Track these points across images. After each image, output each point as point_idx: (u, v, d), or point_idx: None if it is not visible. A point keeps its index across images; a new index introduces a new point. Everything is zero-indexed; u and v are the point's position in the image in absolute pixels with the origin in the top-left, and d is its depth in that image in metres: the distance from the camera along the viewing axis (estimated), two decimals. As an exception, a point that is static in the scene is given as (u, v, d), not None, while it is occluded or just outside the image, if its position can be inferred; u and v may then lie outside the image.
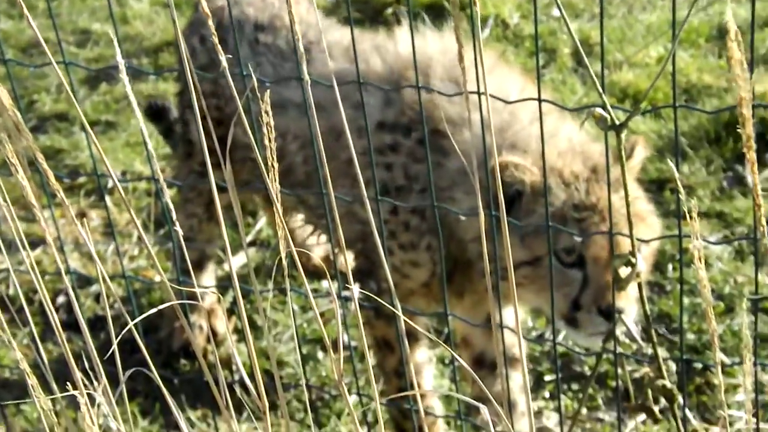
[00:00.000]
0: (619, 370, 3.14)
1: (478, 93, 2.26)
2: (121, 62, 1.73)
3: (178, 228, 1.77)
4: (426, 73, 2.97)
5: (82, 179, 4.93)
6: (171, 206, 1.81)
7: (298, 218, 4.33)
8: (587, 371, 3.83)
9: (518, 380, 3.34)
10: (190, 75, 1.83)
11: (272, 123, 1.69)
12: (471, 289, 3.13)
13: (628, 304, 2.79)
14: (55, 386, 2.08)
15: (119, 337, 1.91)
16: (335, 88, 1.93)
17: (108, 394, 1.91)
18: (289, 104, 3.23)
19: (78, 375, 1.90)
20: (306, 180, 3.25)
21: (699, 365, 3.71)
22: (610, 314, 2.76)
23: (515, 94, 2.97)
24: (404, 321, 2.02)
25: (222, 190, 1.93)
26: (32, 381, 1.79)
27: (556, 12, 5.85)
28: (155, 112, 4.18)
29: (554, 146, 2.86)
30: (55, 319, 1.96)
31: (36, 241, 4.39)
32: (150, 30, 6.26)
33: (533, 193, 2.80)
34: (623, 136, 2.20)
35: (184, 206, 3.97)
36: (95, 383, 1.87)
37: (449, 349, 2.04)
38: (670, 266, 4.13)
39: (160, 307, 1.96)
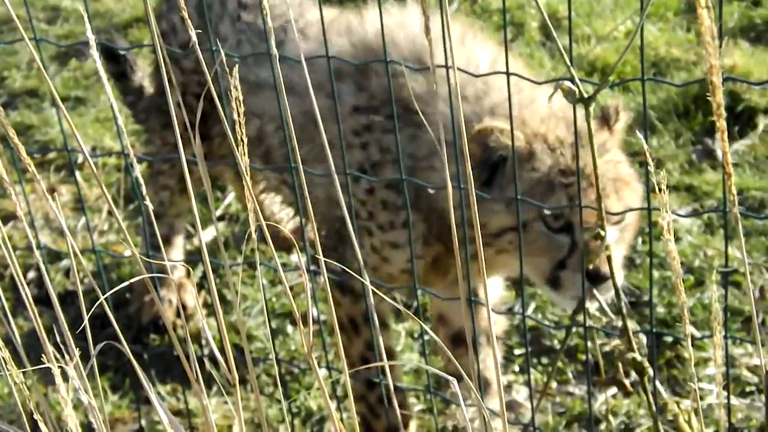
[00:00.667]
0: (589, 344, 3.16)
1: (446, 66, 2.27)
2: (91, 38, 1.73)
3: (148, 203, 1.78)
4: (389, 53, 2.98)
5: (52, 155, 4.92)
6: (141, 181, 1.82)
7: (271, 195, 4.33)
8: (557, 345, 3.86)
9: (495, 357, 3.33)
10: (161, 51, 1.83)
11: (241, 98, 1.69)
12: (455, 264, 3.13)
13: (616, 270, 2.78)
14: (26, 361, 2.09)
15: (90, 313, 1.92)
16: (304, 68, 1.93)
17: (79, 368, 1.91)
18: (265, 85, 3.21)
19: (50, 349, 1.90)
20: (284, 162, 3.24)
21: (669, 338, 3.74)
22: (596, 278, 2.76)
23: (486, 65, 2.97)
24: (372, 298, 2.03)
25: (194, 163, 1.93)
26: (4, 354, 1.80)
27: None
28: (111, 55, 4.07)
29: (535, 112, 2.86)
30: (27, 293, 1.96)
31: (7, 217, 4.38)
32: (119, 6, 6.24)
33: (518, 159, 2.78)
34: (592, 109, 2.21)
35: (155, 179, 3.96)
36: (67, 358, 1.88)
37: (420, 321, 2.06)
38: (639, 239, 4.16)
39: (131, 281, 1.96)
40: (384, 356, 2.57)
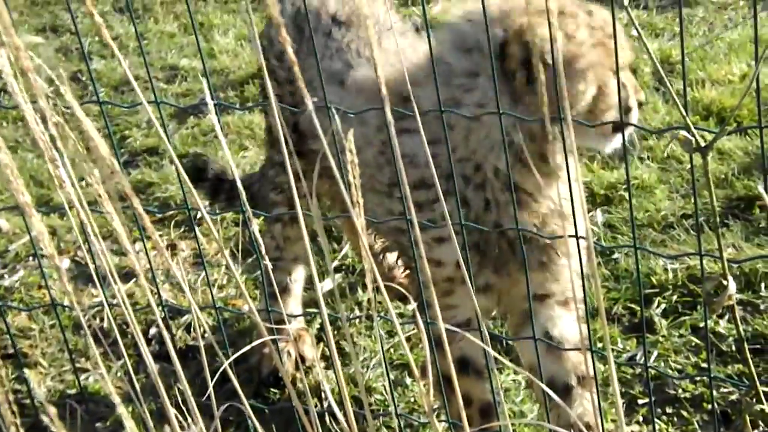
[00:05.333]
0: (715, 393, 3.09)
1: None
2: (210, 100, 1.77)
3: (267, 262, 1.80)
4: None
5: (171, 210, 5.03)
6: (260, 240, 1.85)
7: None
8: (681, 394, 3.78)
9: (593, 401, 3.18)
10: (277, 110, 1.86)
11: (356, 161, 1.72)
12: (511, 258, 3.07)
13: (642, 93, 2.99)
14: (149, 419, 2.13)
15: (214, 379, 1.95)
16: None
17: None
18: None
19: (172, 412, 1.94)
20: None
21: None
22: (639, 104, 2.96)
23: None
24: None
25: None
26: (123, 411, 1.83)
27: (634, 32, 5.81)
28: (200, 173, 4.35)
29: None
30: (146, 352, 2.00)
31: (129, 274, 4.48)
32: (236, 63, 6.39)
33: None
34: (709, 157, 2.18)
35: (272, 227, 4.03)
36: (190, 420, 1.91)
37: (517, 368, 2.04)
38: (763, 285, 4.07)
39: (253, 344, 1.99)
40: (505, 411, 2.55)
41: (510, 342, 3.54)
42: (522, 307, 3.16)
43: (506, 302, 3.21)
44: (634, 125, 2.87)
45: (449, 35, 2.96)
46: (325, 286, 4.42)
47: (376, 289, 1.88)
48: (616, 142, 2.98)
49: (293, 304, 4.16)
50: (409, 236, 2.99)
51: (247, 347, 2.04)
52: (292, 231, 4.02)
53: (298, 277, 4.18)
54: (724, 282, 2.32)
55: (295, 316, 4.07)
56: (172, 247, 4.84)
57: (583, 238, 2.64)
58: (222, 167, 4.40)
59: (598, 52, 2.84)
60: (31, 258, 4.89)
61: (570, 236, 2.82)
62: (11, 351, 4.18)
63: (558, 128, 2.73)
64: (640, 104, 2.96)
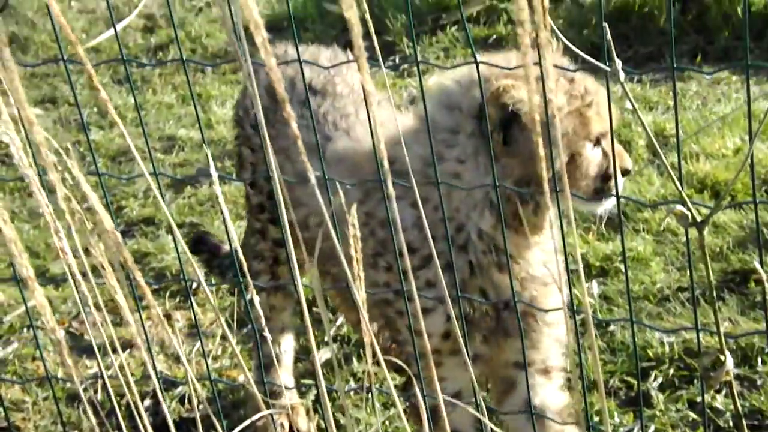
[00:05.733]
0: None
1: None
2: (213, 171, 1.79)
3: (267, 335, 1.80)
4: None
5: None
6: (260, 312, 1.85)
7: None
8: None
9: None
10: (276, 186, 1.87)
11: (359, 235, 1.73)
12: (496, 325, 3.06)
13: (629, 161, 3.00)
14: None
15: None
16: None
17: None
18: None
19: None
20: (330, 252, 3.24)
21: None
22: (625, 172, 2.97)
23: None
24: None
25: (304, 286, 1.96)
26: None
27: (628, 104, 5.87)
28: (197, 243, 4.41)
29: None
30: (147, 425, 2.00)
31: (123, 344, 4.46)
32: (232, 134, 6.41)
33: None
34: (705, 232, 2.19)
35: (265, 298, 4.03)
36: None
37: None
38: (759, 360, 4.06)
39: (250, 420, 1.98)
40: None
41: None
42: (505, 374, 3.17)
43: (490, 370, 3.20)
44: (615, 196, 2.91)
45: (437, 93, 3.00)
46: (323, 356, 4.41)
47: (376, 363, 1.88)
48: (600, 207, 2.99)
49: (284, 375, 4.14)
50: (396, 307, 3.00)
51: (247, 422, 2.03)
52: (276, 300, 4.02)
53: (287, 347, 4.17)
54: (722, 357, 2.32)
55: (290, 389, 4.05)
56: (167, 317, 4.83)
57: (572, 310, 2.64)
58: (219, 239, 4.42)
59: (573, 120, 2.87)
60: (25, 329, 4.87)
61: (556, 309, 2.83)
62: (4, 424, 4.14)
63: (532, 191, 2.78)
64: (627, 172, 2.99)
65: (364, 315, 1.69)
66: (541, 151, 1.84)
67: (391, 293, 3.03)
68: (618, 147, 3.00)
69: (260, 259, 3.91)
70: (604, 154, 2.92)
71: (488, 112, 2.73)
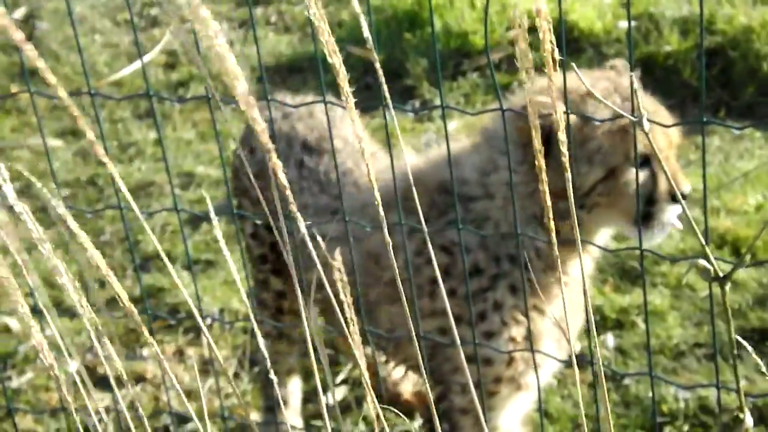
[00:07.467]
0: None
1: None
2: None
3: (273, 376, 1.78)
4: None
5: (180, 315, 5.01)
6: (266, 354, 1.83)
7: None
8: None
9: None
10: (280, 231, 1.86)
11: (345, 279, 1.72)
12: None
13: (687, 184, 2.86)
14: None
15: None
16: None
17: None
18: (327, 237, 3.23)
19: None
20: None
21: None
22: (683, 197, 2.82)
23: None
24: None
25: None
26: None
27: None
28: None
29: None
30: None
31: (135, 379, 4.44)
32: (231, 186, 6.42)
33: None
34: (727, 288, 2.17)
35: (270, 341, 4.01)
36: None
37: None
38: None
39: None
40: None
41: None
42: None
43: None
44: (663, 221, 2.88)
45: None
46: (329, 398, 4.38)
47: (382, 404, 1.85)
48: (650, 234, 2.92)
49: (292, 416, 4.11)
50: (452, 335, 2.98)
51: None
52: (281, 346, 4.00)
53: (294, 389, 4.15)
54: (741, 416, 2.29)
55: (297, 429, 4.02)
56: (179, 353, 4.81)
57: (590, 362, 2.61)
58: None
59: (614, 138, 2.83)
60: (39, 360, 4.85)
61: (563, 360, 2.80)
62: (16, 455, 4.12)
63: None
64: (684, 197, 2.86)
65: (361, 363, 1.66)
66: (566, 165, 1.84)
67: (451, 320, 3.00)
68: (674, 165, 2.93)
69: (263, 307, 3.89)
70: (652, 175, 2.88)
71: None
